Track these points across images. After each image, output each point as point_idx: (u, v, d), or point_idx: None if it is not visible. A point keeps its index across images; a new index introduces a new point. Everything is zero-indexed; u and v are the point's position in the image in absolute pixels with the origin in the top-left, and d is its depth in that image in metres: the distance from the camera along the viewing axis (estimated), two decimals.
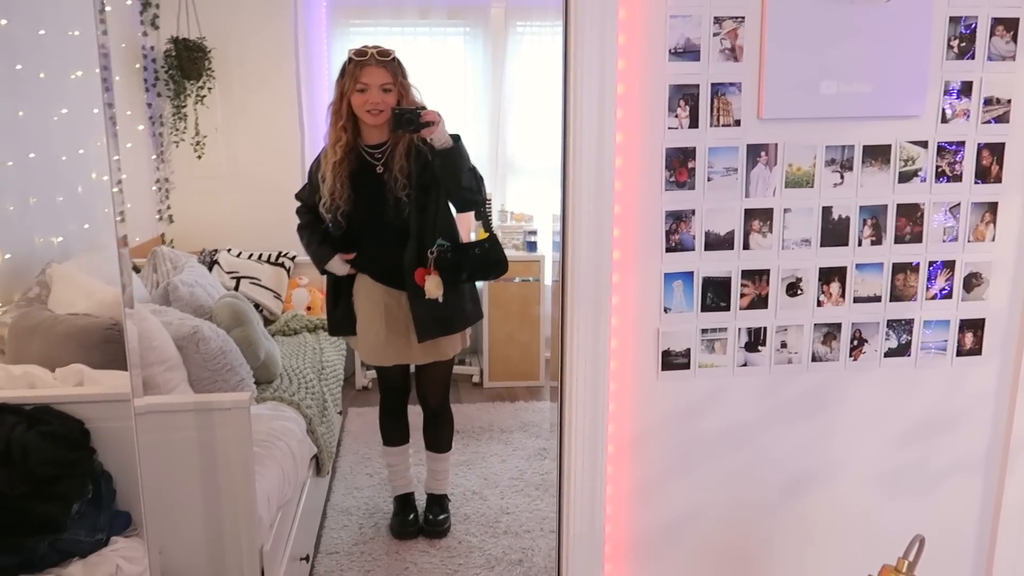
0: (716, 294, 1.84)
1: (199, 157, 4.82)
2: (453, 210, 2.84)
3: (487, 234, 2.82)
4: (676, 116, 1.77)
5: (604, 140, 1.73)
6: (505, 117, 5.03)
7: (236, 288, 4.18)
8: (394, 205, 2.71)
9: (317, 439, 3.40)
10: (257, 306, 4.20)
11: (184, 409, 2.48)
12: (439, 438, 3.22)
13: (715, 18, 1.73)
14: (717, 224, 1.82)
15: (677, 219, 1.81)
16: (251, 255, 4.48)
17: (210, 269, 4.32)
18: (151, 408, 2.28)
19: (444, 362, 3.00)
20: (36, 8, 3.49)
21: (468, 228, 3.81)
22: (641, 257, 1.81)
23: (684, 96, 1.76)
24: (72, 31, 3.79)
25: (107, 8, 4.11)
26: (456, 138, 2.61)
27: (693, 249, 1.83)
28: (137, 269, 3.97)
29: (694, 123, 1.77)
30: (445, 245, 2.71)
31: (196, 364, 3.24)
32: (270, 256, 4.49)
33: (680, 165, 1.79)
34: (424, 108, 2.58)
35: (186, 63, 4.63)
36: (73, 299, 2.86)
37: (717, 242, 1.83)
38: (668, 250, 1.82)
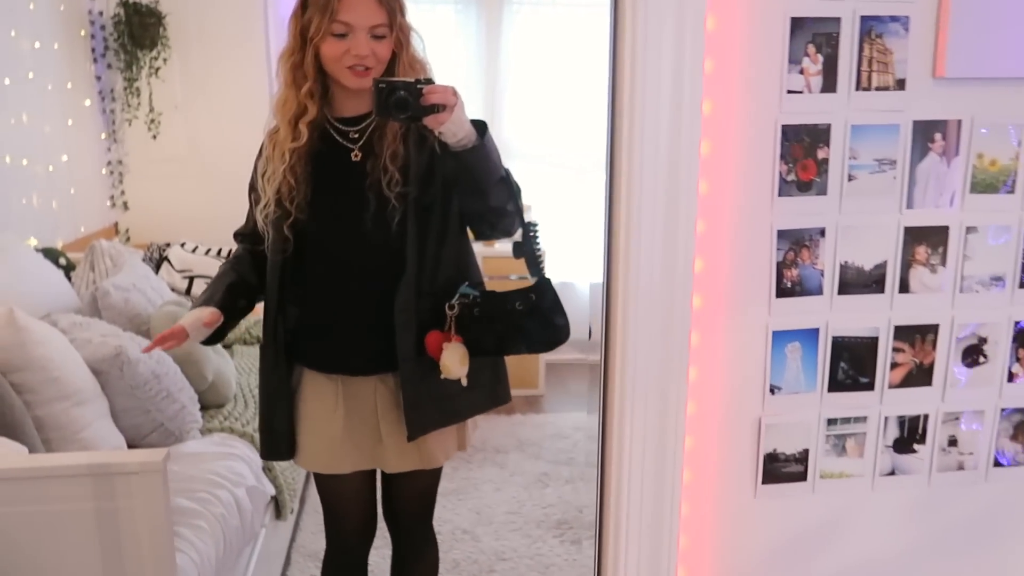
0: (853, 364, 1.08)
1: (154, 137, 4.00)
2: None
3: (534, 280, 1.60)
4: (801, 71, 0.99)
5: (682, 109, 0.95)
6: (500, 97, 4.24)
7: (188, 290, 3.37)
8: (377, 213, 1.54)
9: (276, 477, 2.65)
10: None
11: (75, 473, 1.70)
12: None
13: None
14: (859, 251, 1.05)
15: (796, 243, 1.04)
16: (208, 250, 3.67)
17: (158, 267, 3.51)
18: (25, 473, 1.55)
19: (430, 471, 1.80)
20: None
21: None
22: (736, 305, 1.05)
23: (815, 38, 0.98)
24: None
25: None
26: (481, 130, 1.49)
27: (819, 292, 1.05)
28: (72, 267, 3.16)
29: (830, 84, 1.00)
30: (473, 294, 1.58)
31: (120, 392, 2.47)
32: (229, 252, 3.67)
33: (804, 154, 1.01)
34: (428, 80, 1.44)
35: (137, 30, 3.79)
36: None
37: (858, 281, 1.07)
38: (780, 294, 1.06)
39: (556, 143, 4.33)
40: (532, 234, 1.59)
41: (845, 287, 1.08)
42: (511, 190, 1.54)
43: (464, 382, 1.57)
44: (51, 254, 3.08)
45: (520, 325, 1.57)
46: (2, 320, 2.07)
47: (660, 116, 0.97)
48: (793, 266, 1.06)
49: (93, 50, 3.90)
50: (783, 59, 1.00)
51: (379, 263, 1.58)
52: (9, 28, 3.14)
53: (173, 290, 3.26)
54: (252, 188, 1.68)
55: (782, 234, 1.05)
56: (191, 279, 3.48)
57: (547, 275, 1.59)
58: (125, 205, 4.15)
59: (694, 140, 0.98)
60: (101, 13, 3.90)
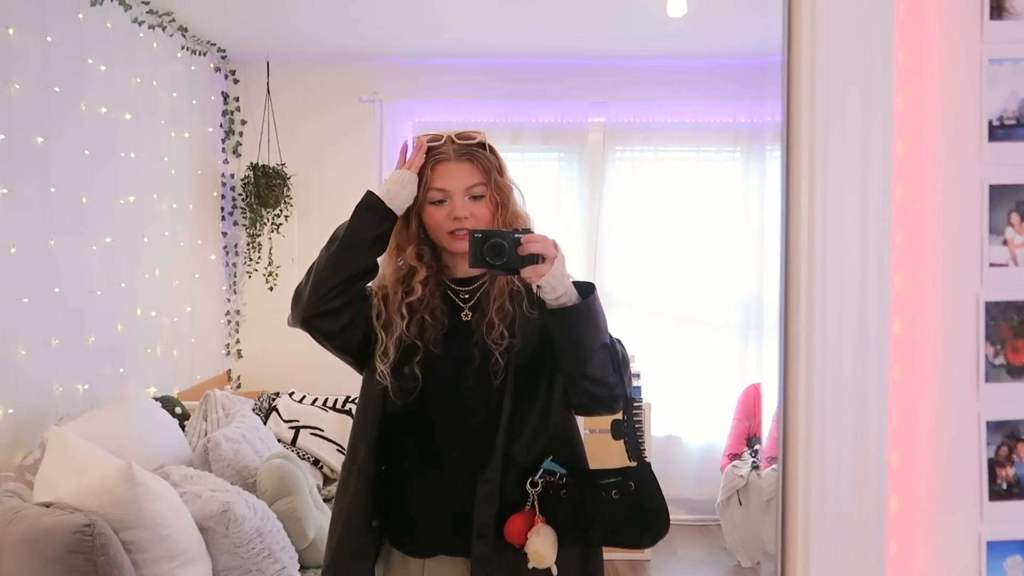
0: None
1: (271, 289, 4.11)
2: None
3: (634, 463, 1.41)
4: (1005, 243, 0.85)
5: (868, 283, 0.83)
6: (603, 247, 4.20)
7: (294, 440, 3.32)
8: (480, 368, 1.44)
9: None
10: (317, 462, 3.32)
11: None
12: None
13: None
14: None
15: (1011, 436, 0.87)
16: (315, 400, 3.64)
17: (267, 416, 3.49)
18: None
19: None
20: (82, 127, 2.86)
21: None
22: (941, 509, 0.86)
23: (1018, 207, 0.85)
24: (126, 152, 3.16)
25: (186, 135, 3.52)
26: (587, 291, 1.37)
27: None
28: (186, 416, 3.17)
29: None
30: (560, 472, 1.40)
31: (224, 551, 2.37)
32: (336, 401, 3.64)
33: (1014, 334, 0.86)
34: (526, 230, 1.38)
35: (264, 190, 3.99)
36: (60, 477, 2.04)
37: None
38: (994, 496, 0.87)
39: (657, 293, 4.22)
40: (635, 412, 1.43)
41: None
42: (616, 360, 1.38)
43: (555, 571, 1.36)
44: (168, 402, 3.11)
45: (613, 515, 1.37)
46: (121, 476, 2.03)
47: (845, 291, 0.84)
48: (1008, 463, 0.87)
49: (222, 209, 4.12)
50: (983, 230, 0.86)
51: (477, 423, 1.43)
52: (152, 192, 3.34)
53: (280, 440, 3.22)
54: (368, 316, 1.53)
55: (993, 426, 0.87)
56: (297, 429, 3.44)
57: (648, 459, 1.41)
58: (239, 353, 4.23)
59: (884, 318, 0.85)
60: (232, 175, 4.14)
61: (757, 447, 3.82)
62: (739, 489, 3.59)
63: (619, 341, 1.42)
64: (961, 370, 0.86)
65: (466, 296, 1.51)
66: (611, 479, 1.39)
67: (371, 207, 1.43)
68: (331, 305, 1.43)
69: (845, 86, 0.84)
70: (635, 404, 1.43)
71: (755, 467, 3.62)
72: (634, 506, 1.37)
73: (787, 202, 0.88)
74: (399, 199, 1.44)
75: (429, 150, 1.47)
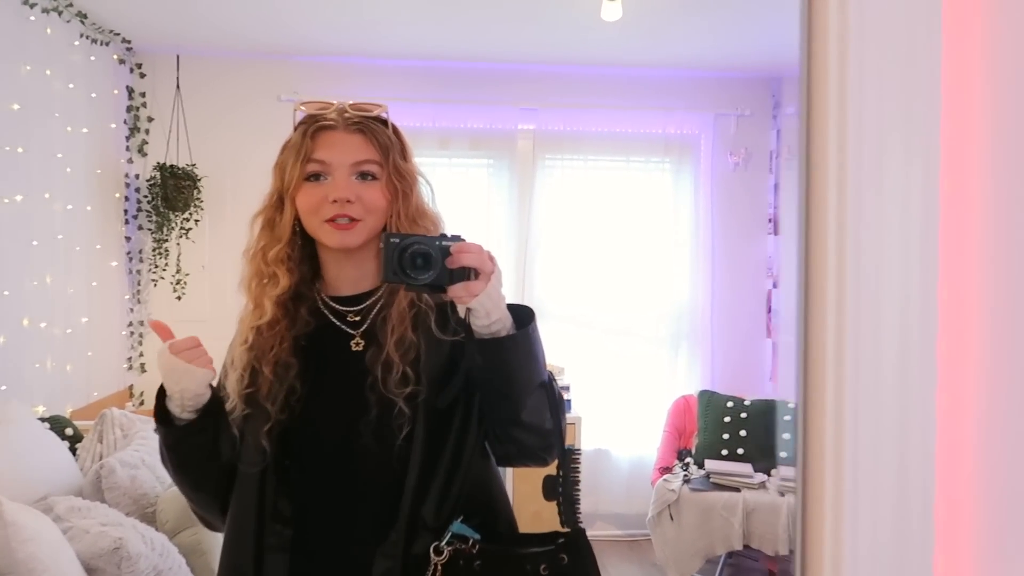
0: None
1: (179, 298, 3.76)
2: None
3: (567, 528, 1.11)
4: None
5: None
6: (532, 257, 4.03)
7: None
8: (378, 421, 1.10)
9: None
10: None
11: None
12: None
13: None
14: None
15: None
16: None
17: None
18: None
19: None
20: None
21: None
22: (1000, 559, 0.70)
23: None
24: (12, 147, 2.79)
25: (84, 130, 3.15)
26: (525, 318, 1.08)
27: None
28: (79, 438, 2.82)
29: None
30: (473, 537, 1.09)
31: None
32: None
33: None
34: (456, 237, 1.05)
35: (172, 192, 3.65)
36: None
37: None
38: None
39: (587, 304, 4.08)
40: (574, 467, 1.11)
41: None
42: (553, 403, 1.09)
43: None
44: (57, 423, 2.75)
45: None
46: None
47: (884, 307, 0.67)
48: None
49: (126, 211, 3.74)
50: None
51: (375, 488, 1.10)
52: (43, 191, 2.97)
53: None
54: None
55: None
56: None
57: (582, 524, 1.10)
58: (143, 367, 3.85)
59: (931, 336, 0.68)
60: (137, 176, 3.78)
61: (688, 460, 3.71)
62: (670, 504, 3.46)
63: (553, 377, 1.12)
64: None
65: (354, 319, 1.14)
66: (538, 548, 1.08)
67: (179, 437, 1.11)
68: (214, 506, 1.16)
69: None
70: (574, 456, 1.11)
71: (686, 480, 3.51)
72: None
73: (807, 199, 0.71)
74: (187, 394, 1.08)
75: (311, 119, 1.12)
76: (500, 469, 1.22)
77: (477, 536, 1.08)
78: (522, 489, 3.23)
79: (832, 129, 0.67)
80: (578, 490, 1.09)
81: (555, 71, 3.98)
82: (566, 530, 1.09)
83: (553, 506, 1.10)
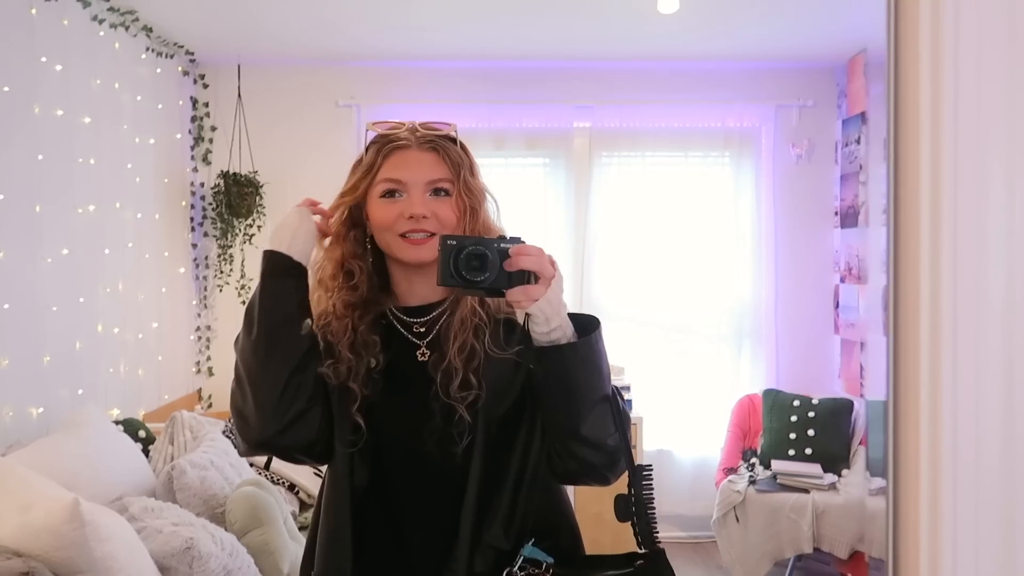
0: None
1: (244, 302, 3.83)
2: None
3: (645, 550, 1.08)
4: None
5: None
6: (590, 256, 3.99)
7: (268, 464, 3.06)
8: (443, 429, 1.10)
9: None
10: (292, 487, 3.06)
11: None
12: None
13: None
14: None
15: None
16: None
17: None
18: None
19: None
20: (36, 130, 2.59)
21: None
22: None
23: None
24: (85, 158, 2.89)
25: (151, 141, 3.25)
26: (588, 326, 1.05)
27: None
28: (151, 439, 2.90)
29: None
30: (546, 561, 1.07)
31: None
32: None
33: None
34: (515, 239, 1.03)
35: (235, 199, 3.73)
36: (2, 514, 1.77)
37: None
38: None
39: (647, 303, 4.02)
40: (647, 483, 1.06)
41: None
42: (617, 417, 1.05)
43: None
44: (131, 426, 2.83)
45: None
46: (66, 514, 1.76)
47: (985, 302, 0.63)
48: None
49: (191, 219, 3.85)
50: None
51: (440, 500, 1.10)
52: (114, 200, 3.07)
53: (252, 464, 2.96)
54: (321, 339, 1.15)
55: None
56: None
57: (661, 544, 1.06)
58: (210, 371, 3.95)
59: None
60: (203, 184, 3.88)
61: (753, 460, 3.62)
62: (736, 505, 3.38)
63: (618, 391, 1.09)
64: None
65: (420, 330, 1.15)
66: (614, 571, 1.05)
67: (281, 270, 1.09)
68: (292, 412, 1.08)
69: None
70: (645, 473, 1.07)
71: (752, 481, 3.42)
72: None
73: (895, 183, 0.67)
74: (297, 243, 1.11)
75: (384, 138, 1.14)
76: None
77: (550, 560, 1.05)
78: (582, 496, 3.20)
79: (925, 118, 0.62)
80: (653, 508, 1.06)
81: (610, 67, 3.93)
82: (643, 551, 1.06)
83: (608, 508, 1.08)
